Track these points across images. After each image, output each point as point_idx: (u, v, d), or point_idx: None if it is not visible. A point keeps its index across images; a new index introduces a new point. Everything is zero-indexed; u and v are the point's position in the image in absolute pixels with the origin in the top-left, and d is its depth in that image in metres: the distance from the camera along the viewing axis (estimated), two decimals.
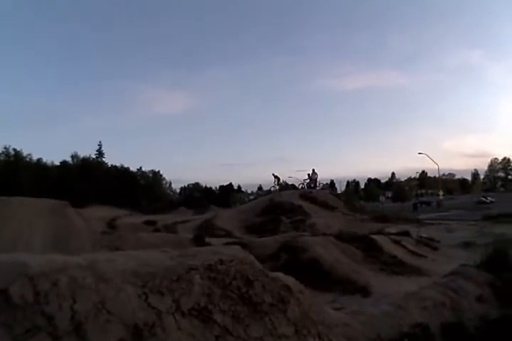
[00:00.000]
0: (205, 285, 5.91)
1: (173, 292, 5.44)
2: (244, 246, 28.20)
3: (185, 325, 5.44)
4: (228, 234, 45.58)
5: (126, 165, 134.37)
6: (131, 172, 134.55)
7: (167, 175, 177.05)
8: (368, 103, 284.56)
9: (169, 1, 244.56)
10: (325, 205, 62.10)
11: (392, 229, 42.33)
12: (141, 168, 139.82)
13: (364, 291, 18.91)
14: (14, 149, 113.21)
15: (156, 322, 5.10)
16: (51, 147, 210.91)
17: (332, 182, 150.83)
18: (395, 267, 24.56)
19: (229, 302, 6.21)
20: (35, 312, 4.26)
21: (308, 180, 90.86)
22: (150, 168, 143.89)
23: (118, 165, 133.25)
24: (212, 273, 6.19)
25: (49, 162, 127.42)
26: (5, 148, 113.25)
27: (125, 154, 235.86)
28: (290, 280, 8.02)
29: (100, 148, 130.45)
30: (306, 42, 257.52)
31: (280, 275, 7.96)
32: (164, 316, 5.24)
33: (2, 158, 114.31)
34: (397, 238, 31.54)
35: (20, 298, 4.24)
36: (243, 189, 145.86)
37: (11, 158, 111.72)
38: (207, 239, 31.79)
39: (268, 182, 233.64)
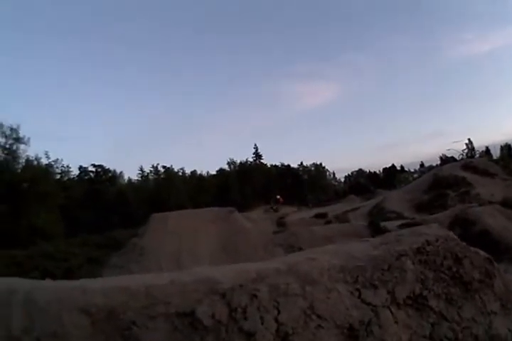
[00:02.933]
0: (417, 271, 5.25)
1: (386, 283, 4.80)
2: (416, 225, 27.60)
3: (402, 317, 4.83)
4: (399, 215, 45.09)
5: (286, 163, 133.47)
6: (293, 168, 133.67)
7: (329, 166, 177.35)
8: (506, 63, 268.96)
9: None
10: (485, 173, 60.75)
11: None
12: (301, 163, 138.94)
13: None
14: (164, 166, 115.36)
15: (372, 319, 4.53)
16: (203, 158, 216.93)
17: (487, 148, 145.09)
18: None
19: (442, 284, 5.53)
20: (231, 332, 3.77)
21: (466, 150, 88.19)
22: (311, 162, 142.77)
23: (278, 164, 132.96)
24: (423, 255, 5.49)
25: (204, 173, 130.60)
26: (153, 166, 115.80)
27: (283, 152, 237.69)
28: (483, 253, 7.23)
29: (257, 150, 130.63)
30: (429, 13, 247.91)
31: (475, 249, 7.17)
32: (380, 311, 4.63)
33: (151, 177, 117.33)
34: None
35: (210, 318, 3.76)
36: (406, 168, 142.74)
37: (162, 176, 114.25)
38: (381, 224, 31.24)
39: (429, 157, 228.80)
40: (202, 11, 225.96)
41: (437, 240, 6.02)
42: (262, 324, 3.88)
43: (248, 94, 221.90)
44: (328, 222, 42.76)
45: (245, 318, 3.85)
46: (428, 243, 5.79)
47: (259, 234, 26.43)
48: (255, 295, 3.95)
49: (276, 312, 3.98)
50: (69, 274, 39.49)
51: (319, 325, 4.09)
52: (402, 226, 28.69)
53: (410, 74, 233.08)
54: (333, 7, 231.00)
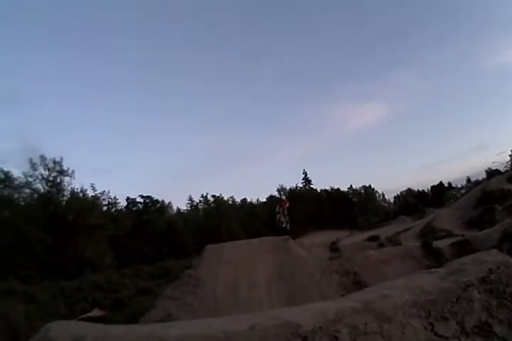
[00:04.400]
0: (483, 300, 5.38)
1: (455, 314, 4.94)
2: (467, 242, 27.43)
3: None
4: (449, 233, 44.87)
5: (336, 187, 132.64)
6: (343, 192, 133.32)
7: (378, 187, 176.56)
8: None
9: (331, 13, 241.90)
10: None
11: None
12: (351, 186, 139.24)
13: None
14: (213, 195, 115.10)
15: None
16: (253, 186, 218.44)
17: None
18: None
19: (505, 311, 5.66)
20: None
21: (510, 162, 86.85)
22: (360, 184, 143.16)
23: (327, 188, 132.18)
24: (487, 285, 5.63)
25: (254, 200, 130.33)
26: (202, 196, 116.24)
27: (332, 176, 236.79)
28: None
29: (306, 175, 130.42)
30: (466, 23, 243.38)
31: None
32: None
33: (201, 206, 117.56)
34: None
35: None
36: (453, 184, 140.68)
37: (211, 205, 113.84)
38: (433, 243, 31.10)
39: (476, 171, 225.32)
40: (250, 39, 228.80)
41: (499, 267, 6.13)
42: None
43: (295, 119, 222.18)
44: (381, 245, 42.91)
45: None
46: (491, 271, 5.91)
47: (314, 261, 26.27)
48: (336, 337, 4.05)
49: None
50: (119, 305, 39.99)
51: None
52: (453, 245, 28.72)
53: (453, 89, 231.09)
54: (372, 26, 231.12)
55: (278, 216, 32.15)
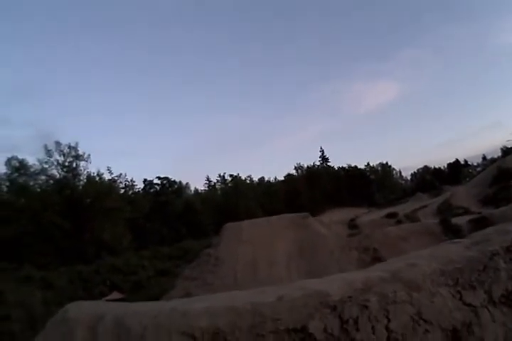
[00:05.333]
0: (508, 269, 5.31)
1: (483, 283, 4.91)
2: (485, 219, 27.41)
3: (498, 315, 4.92)
4: (466, 210, 44.77)
5: (353, 164, 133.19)
6: (360, 169, 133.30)
7: (395, 164, 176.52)
8: None
9: None
10: None
11: None
12: (368, 163, 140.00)
13: None
14: (231, 175, 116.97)
15: (472, 319, 4.63)
16: (270, 164, 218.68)
17: None
18: None
19: None
20: None
21: None
22: (377, 162, 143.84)
23: (345, 165, 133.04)
24: None
25: (272, 179, 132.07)
26: (219, 176, 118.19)
27: (349, 153, 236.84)
28: None
29: (323, 153, 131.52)
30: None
31: None
32: (479, 311, 4.72)
33: (218, 186, 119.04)
34: None
35: (323, 332, 3.84)
36: (469, 162, 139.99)
37: (229, 184, 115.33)
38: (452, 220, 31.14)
39: (491, 149, 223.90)
40: (261, 20, 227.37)
41: None
42: (374, 333, 3.98)
43: (311, 98, 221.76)
44: (399, 222, 43.19)
45: (357, 329, 3.94)
46: None
47: (334, 237, 26.24)
48: (365, 306, 4.06)
49: (386, 320, 4.09)
50: (138, 287, 40.24)
51: (426, 330, 4.22)
52: (471, 222, 28.72)
53: (466, 66, 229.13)
54: (385, 5, 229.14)
55: None
